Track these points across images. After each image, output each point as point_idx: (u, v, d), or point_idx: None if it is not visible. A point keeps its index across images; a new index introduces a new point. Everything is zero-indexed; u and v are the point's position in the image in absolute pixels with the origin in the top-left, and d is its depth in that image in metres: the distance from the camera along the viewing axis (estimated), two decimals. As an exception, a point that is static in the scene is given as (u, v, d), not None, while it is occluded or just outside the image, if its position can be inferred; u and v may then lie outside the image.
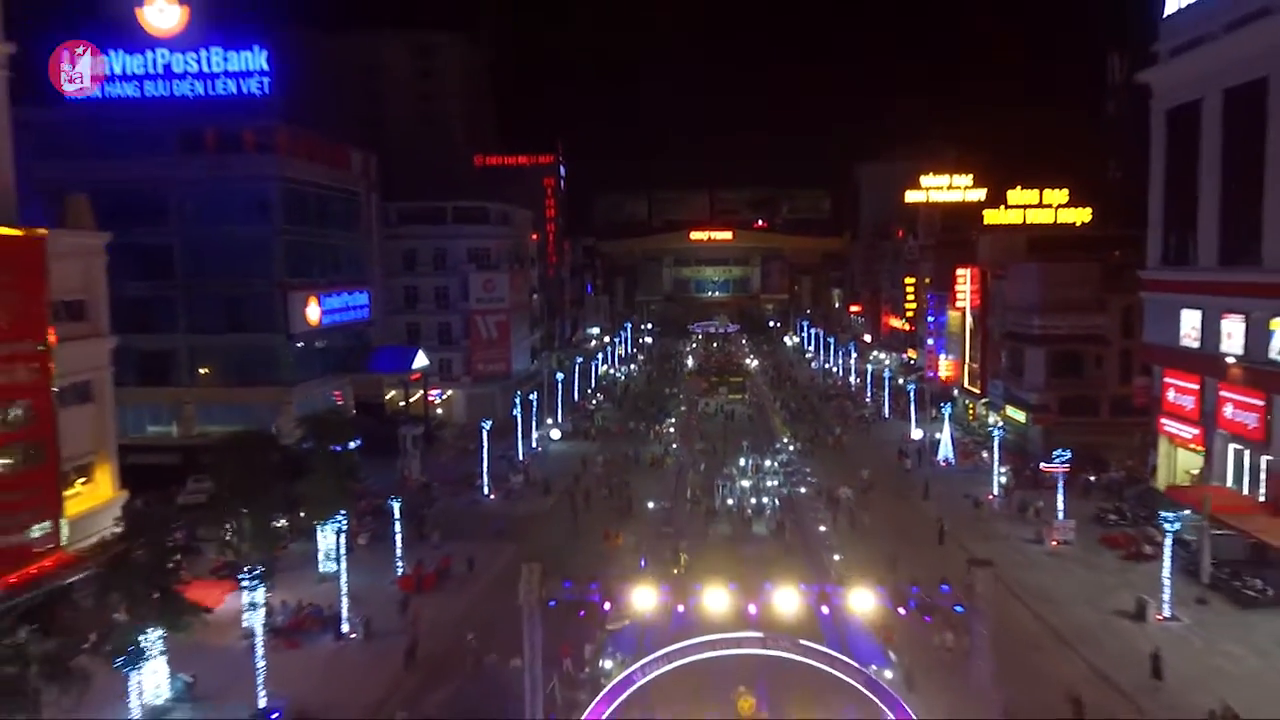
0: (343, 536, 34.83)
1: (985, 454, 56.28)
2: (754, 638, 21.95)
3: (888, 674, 25.25)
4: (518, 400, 63.24)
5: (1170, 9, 47.96)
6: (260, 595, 28.63)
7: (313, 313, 57.05)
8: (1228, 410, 43.24)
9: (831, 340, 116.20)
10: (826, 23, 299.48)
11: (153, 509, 32.67)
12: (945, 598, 21.73)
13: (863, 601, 21.56)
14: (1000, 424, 58.89)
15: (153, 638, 26.07)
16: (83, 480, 34.46)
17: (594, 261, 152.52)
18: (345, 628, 33.31)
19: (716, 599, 21.70)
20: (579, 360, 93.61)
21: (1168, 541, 34.63)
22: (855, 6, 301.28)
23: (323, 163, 61.11)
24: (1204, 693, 26.88)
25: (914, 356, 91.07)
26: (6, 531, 29.92)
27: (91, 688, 23.77)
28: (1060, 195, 73.53)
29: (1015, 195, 75.08)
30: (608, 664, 26.96)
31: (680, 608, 21.66)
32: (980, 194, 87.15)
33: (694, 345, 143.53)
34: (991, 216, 74.82)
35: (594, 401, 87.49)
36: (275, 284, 53.97)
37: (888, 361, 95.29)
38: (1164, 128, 49.26)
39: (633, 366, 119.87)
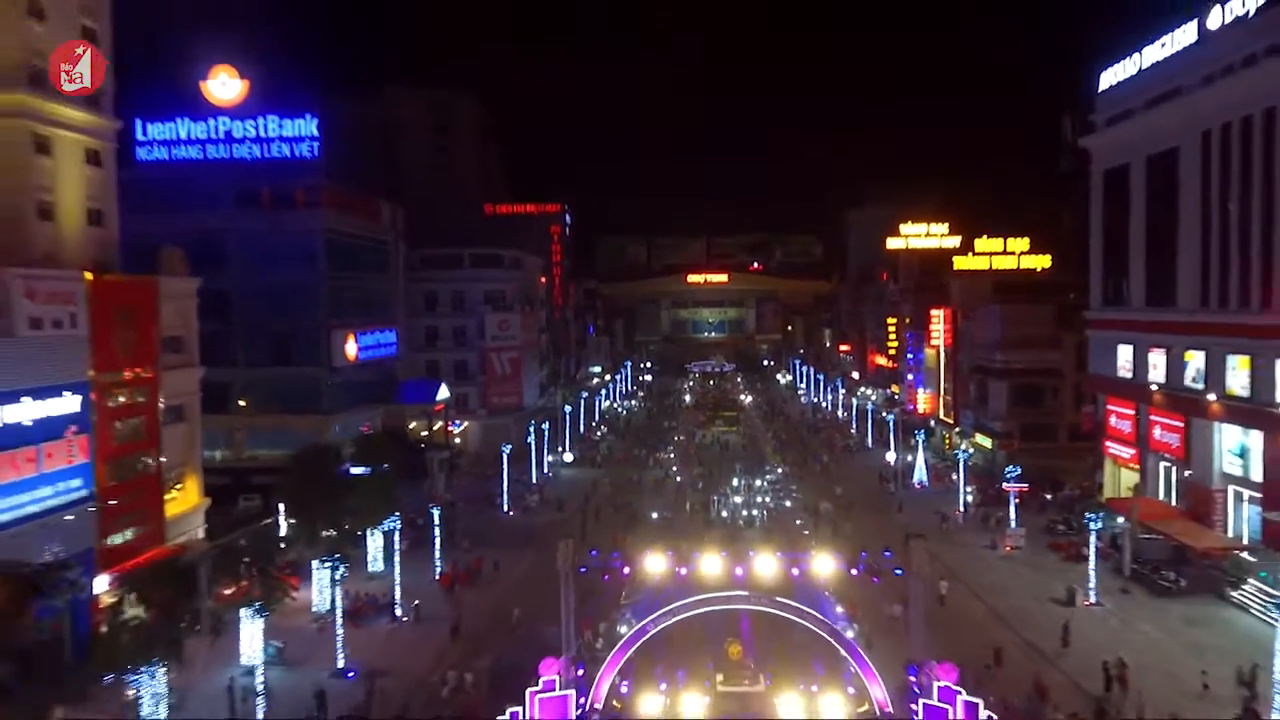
0: (396, 534, 41.04)
1: (955, 476, 62.54)
2: (741, 595, 28.20)
3: (850, 633, 31.36)
4: (531, 430, 69.59)
5: (1104, 85, 55.51)
6: (340, 573, 34.81)
7: (350, 349, 63.66)
8: (1156, 432, 49.90)
9: (821, 377, 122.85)
10: (821, 75, 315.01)
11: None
12: (887, 562, 28.08)
13: (824, 565, 27.88)
14: (969, 450, 65.18)
15: (255, 608, 32.07)
16: (177, 487, 40.70)
17: (595, 303, 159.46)
18: (399, 612, 39.43)
19: (711, 564, 27.98)
20: (584, 395, 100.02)
21: (1092, 539, 41.02)
22: (848, 62, 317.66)
23: (359, 216, 68.15)
24: (1109, 655, 32.96)
25: (897, 391, 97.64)
26: (123, 526, 36.10)
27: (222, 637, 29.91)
28: (1022, 244, 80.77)
29: (982, 244, 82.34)
30: (623, 629, 32.95)
31: (683, 570, 27.92)
32: (955, 241, 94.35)
33: (691, 383, 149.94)
34: (961, 263, 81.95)
35: (599, 433, 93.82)
36: (320, 324, 60.62)
37: (873, 396, 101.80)
38: (1101, 187, 56.60)
39: (633, 402, 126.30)
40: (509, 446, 62.04)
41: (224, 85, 59.92)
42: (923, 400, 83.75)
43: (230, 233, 60.07)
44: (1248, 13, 41.90)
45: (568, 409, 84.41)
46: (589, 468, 76.06)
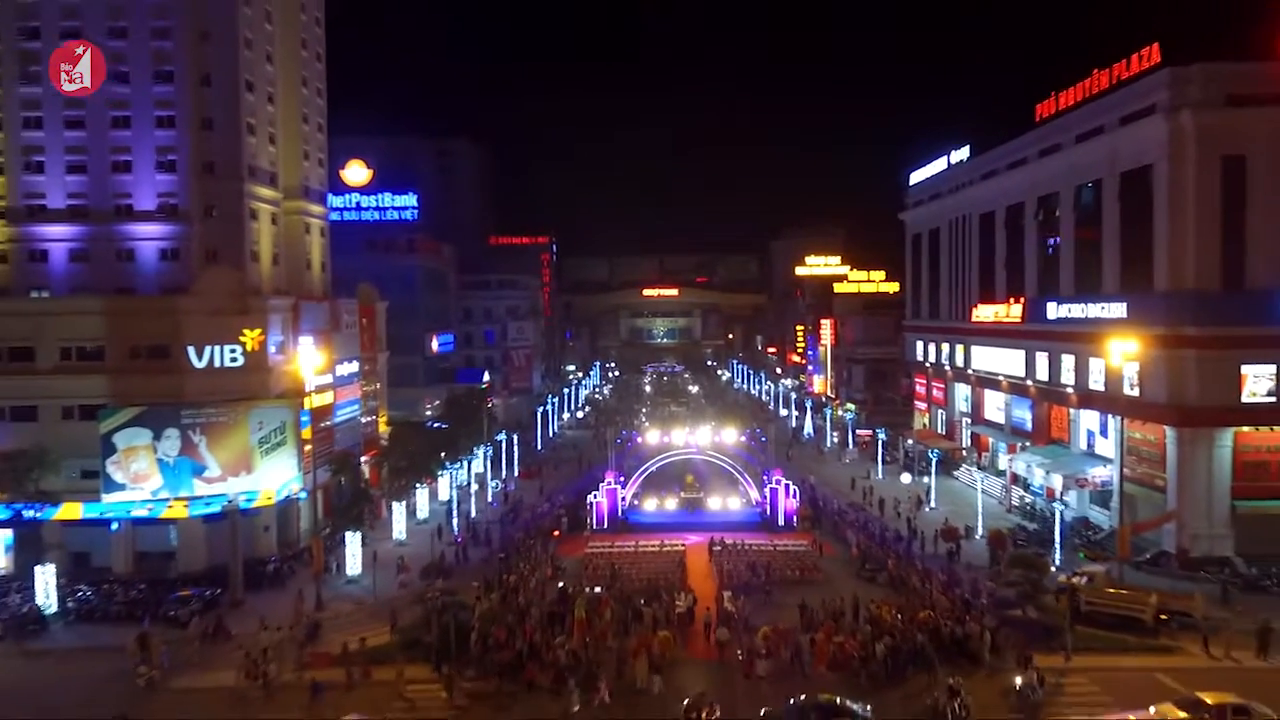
0: (504, 442, 73.91)
1: (830, 430, 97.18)
2: (693, 451, 61.90)
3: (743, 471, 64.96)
4: (550, 402, 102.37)
5: (912, 181, 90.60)
6: (487, 457, 67.70)
7: (435, 345, 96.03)
8: (935, 393, 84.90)
9: (753, 373, 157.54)
10: (756, 132, 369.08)
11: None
12: (757, 435, 62.09)
13: (730, 435, 61.74)
14: (841, 411, 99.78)
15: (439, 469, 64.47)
16: (381, 418, 72.87)
17: (570, 314, 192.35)
18: (510, 484, 72.35)
19: (679, 436, 61.66)
20: (572, 384, 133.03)
21: (879, 445, 75.65)
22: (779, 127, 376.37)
23: (433, 255, 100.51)
24: (876, 493, 67.18)
25: (803, 379, 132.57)
26: (367, 432, 68.33)
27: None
28: (880, 275, 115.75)
29: (853, 274, 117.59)
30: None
31: (666, 438, 61.50)
32: (846, 269, 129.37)
33: (650, 379, 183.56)
34: (840, 287, 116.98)
35: (584, 410, 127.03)
36: (419, 328, 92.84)
37: (788, 383, 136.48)
38: (910, 245, 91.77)
39: (605, 392, 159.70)
40: (540, 408, 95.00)
41: (356, 173, 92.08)
42: (818, 383, 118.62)
43: (360, 269, 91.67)
44: (963, 160, 77.28)
45: (566, 391, 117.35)
46: (584, 430, 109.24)
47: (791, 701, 29.71)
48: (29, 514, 45.08)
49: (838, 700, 29.66)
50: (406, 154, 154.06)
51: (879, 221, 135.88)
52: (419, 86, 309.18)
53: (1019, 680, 31.75)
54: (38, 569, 42.00)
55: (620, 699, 31.95)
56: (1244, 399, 46.35)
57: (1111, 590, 40.07)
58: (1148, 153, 48.95)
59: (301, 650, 36.59)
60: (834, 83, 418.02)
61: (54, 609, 41.42)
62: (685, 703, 29.53)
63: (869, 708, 29.41)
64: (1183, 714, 29.00)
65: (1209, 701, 29.16)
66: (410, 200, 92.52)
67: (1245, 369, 46.24)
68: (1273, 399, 46.21)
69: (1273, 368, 46.10)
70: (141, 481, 45.23)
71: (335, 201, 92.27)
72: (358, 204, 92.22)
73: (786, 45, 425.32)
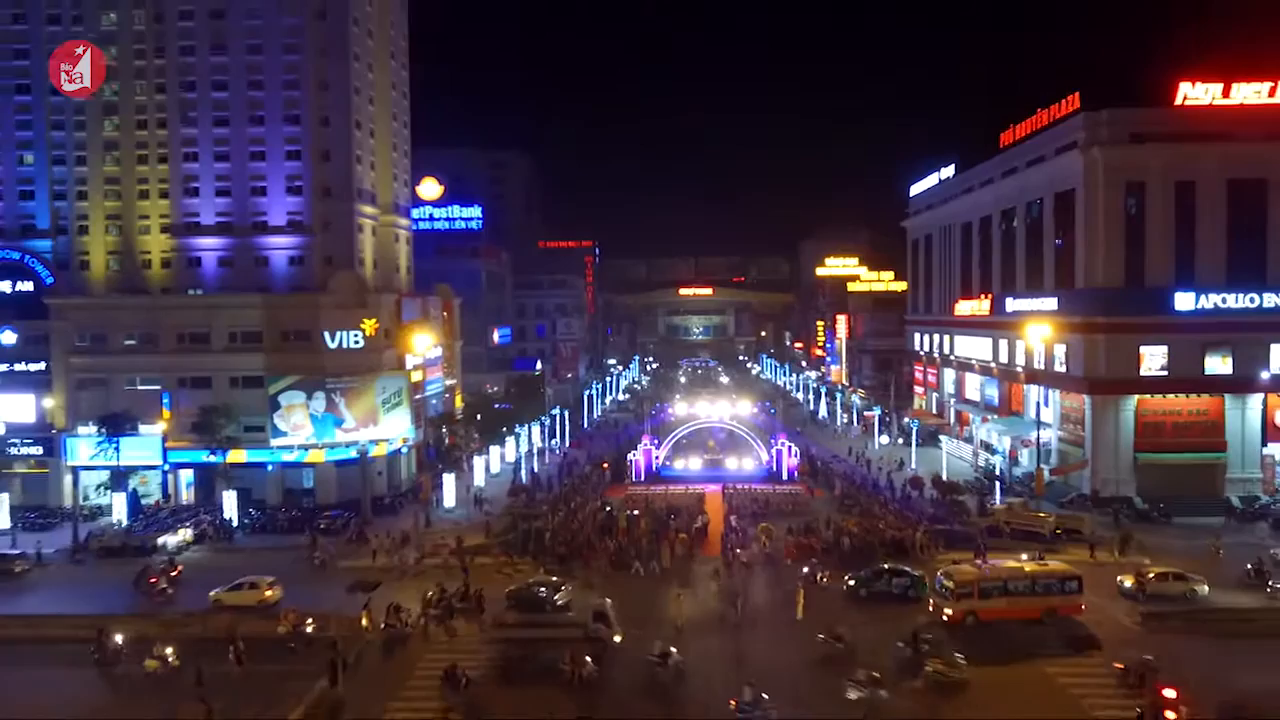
0: (558, 415, 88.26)
1: (838, 410, 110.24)
2: (716, 421, 75.70)
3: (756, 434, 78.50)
4: (594, 387, 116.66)
5: (912, 193, 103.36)
6: (549, 425, 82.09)
7: (495, 337, 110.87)
8: (930, 377, 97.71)
9: (780, 366, 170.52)
10: (792, 134, 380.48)
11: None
12: (766, 408, 75.63)
13: (746, 407, 75.36)
14: (857, 397, 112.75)
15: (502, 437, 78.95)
16: (457, 394, 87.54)
17: (610, 312, 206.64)
18: (564, 450, 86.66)
19: (704, 407, 75.47)
20: (614, 375, 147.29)
21: (876, 420, 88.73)
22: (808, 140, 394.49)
23: (494, 259, 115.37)
24: (865, 452, 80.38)
25: (823, 370, 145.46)
26: (447, 406, 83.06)
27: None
28: (889, 275, 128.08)
29: (865, 274, 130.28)
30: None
31: (693, 410, 75.31)
32: (861, 270, 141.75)
33: (685, 372, 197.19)
34: (853, 286, 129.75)
35: (626, 395, 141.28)
36: (482, 322, 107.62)
37: (811, 374, 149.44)
38: (910, 249, 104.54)
39: (644, 382, 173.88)
40: (586, 392, 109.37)
41: (429, 188, 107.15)
42: (834, 373, 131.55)
43: (432, 271, 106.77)
44: (950, 176, 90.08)
45: (609, 379, 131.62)
46: (625, 413, 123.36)
47: (865, 571, 42.96)
48: (212, 457, 60.23)
49: (886, 566, 43.12)
50: (464, 165, 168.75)
51: (895, 227, 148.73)
52: (472, 101, 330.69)
53: (1025, 555, 44.11)
54: (224, 494, 57.15)
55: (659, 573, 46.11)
56: (1142, 373, 59.01)
57: (1022, 513, 53.31)
58: (1071, 178, 61.74)
59: (406, 548, 50.81)
60: (868, 95, 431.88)
61: (236, 524, 56.47)
62: (805, 571, 43.17)
63: (919, 572, 42.59)
64: (1134, 579, 41.93)
65: (1152, 573, 42.02)
66: (475, 212, 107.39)
67: (1143, 349, 58.90)
68: (1164, 373, 58.80)
69: (1164, 348, 58.68)
70: (298, 431, 60.32)
71: (414, 213, 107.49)
72: (430, 215, 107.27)
73: (823, 58, 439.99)
